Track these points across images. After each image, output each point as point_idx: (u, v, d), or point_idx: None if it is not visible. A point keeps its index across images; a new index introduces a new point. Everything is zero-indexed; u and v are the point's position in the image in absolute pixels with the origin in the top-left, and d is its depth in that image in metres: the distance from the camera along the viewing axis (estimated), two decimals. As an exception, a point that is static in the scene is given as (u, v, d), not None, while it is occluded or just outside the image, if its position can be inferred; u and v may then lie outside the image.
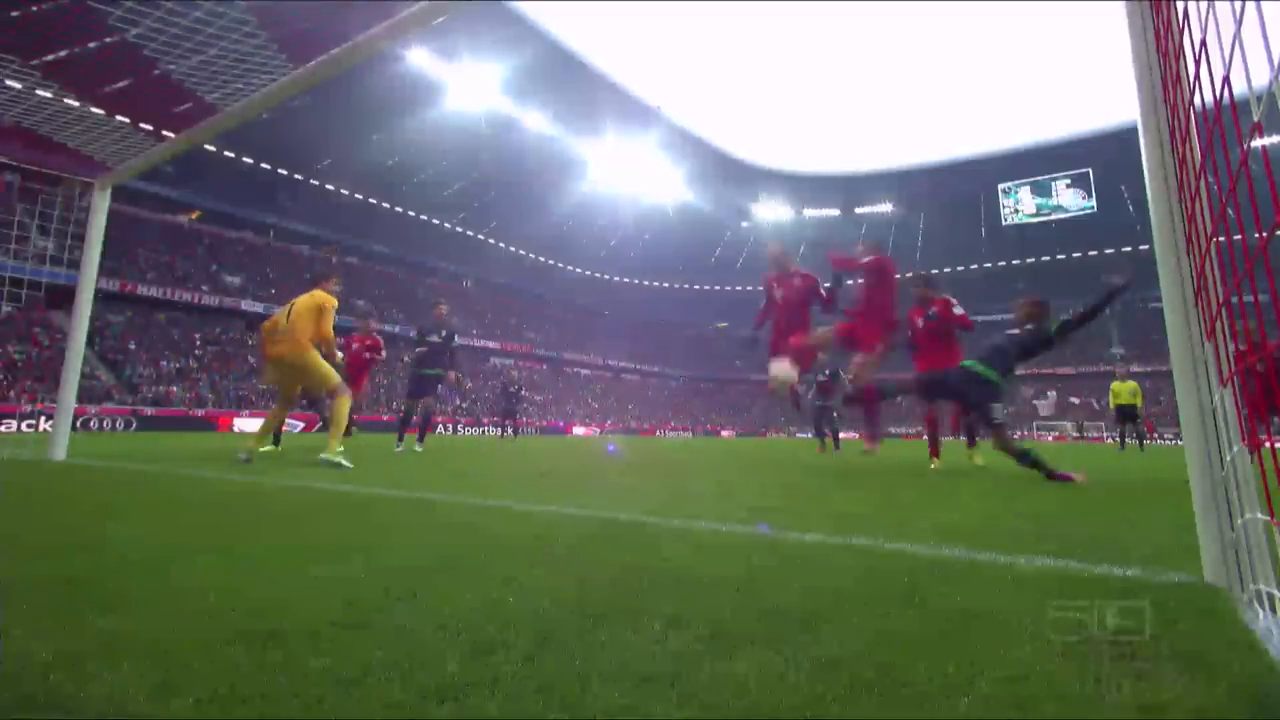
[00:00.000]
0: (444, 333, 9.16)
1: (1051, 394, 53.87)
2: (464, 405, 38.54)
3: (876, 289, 5.91)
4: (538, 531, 2.35)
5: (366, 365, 9.62)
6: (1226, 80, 1.20)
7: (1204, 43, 1.26)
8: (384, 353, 9.79)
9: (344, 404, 5.70)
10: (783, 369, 5.97)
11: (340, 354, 6.29)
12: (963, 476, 5.12)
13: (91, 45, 25.62)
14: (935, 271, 69.98)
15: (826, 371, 11.48)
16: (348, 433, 8.83)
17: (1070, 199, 64.55)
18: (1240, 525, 1.46)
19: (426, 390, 9.15)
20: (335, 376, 5.78)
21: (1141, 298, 58.42)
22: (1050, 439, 42.05)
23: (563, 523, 2.59)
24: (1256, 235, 1.07)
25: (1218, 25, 1.23)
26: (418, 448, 8.96)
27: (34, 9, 25.47)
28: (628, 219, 67.02)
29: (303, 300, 5.82)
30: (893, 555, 1.97)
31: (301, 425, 22.68)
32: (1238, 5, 1.13)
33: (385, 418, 31.68)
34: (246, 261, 42.38)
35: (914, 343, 6.68)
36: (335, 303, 5.83)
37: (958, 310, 6.49)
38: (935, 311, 6.47)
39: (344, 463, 5.24)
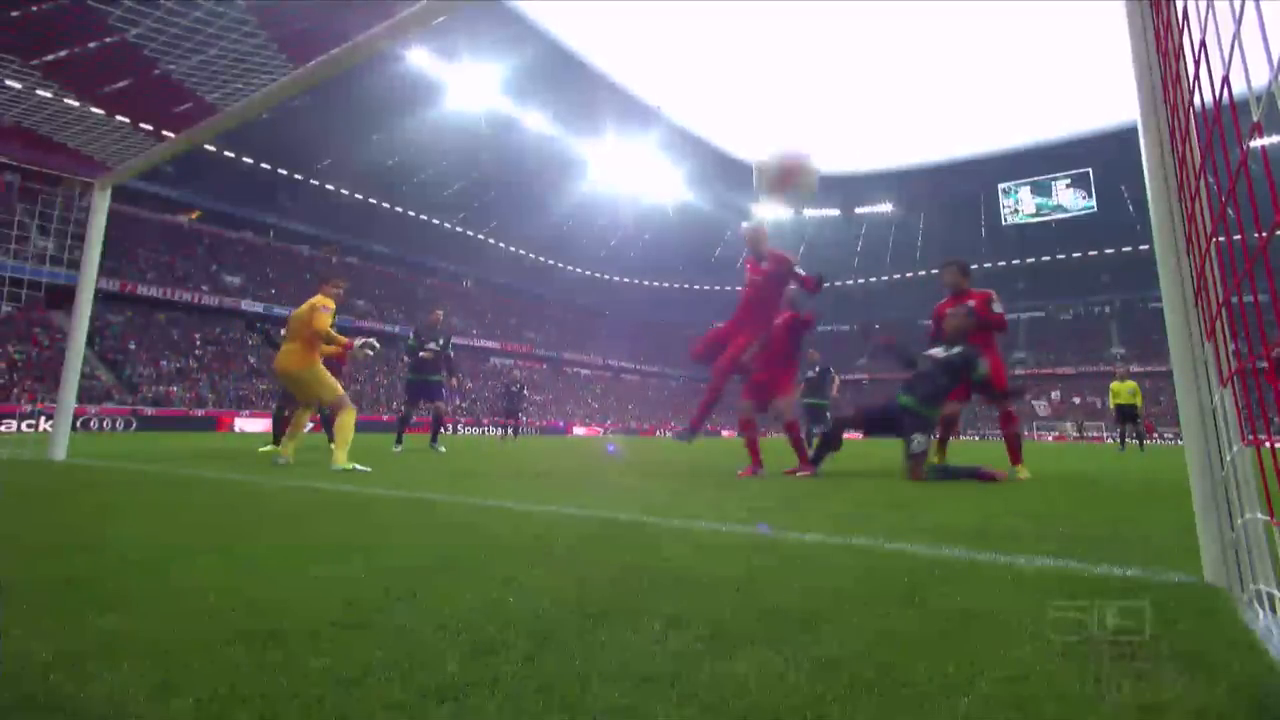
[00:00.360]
0: (442, 340, 9.07)
1: (1054, 394, 53.85)
2: (464, 405, 38.56)
3: (787, 341, 5.88)
4: (538, 531, 2.35)
5: (336, 370, 9.61)
6: (1226, 80, 1.20)
7: (1204, 43, 1.26)
8: (347, 364, 9.65)
9: (349, 417, 5.57)
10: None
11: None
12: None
13: (91, 45, 25.62)
14: (938, 272, 70.02)
15: (816, 369, 11.38)
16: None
17: (1070, 199, 64.58)
18: (1240, 525, 1.46)
19: (430, 396, 9.08)
20: (337, 389, 5.71)
21: (1141, 298, 58.49)
22: (1050, 439, 42.05)
23: (563, 523, 2.59)
24: (1256, 235, 1.07)
25: (1217, 25, 1.23)
26: (441, 449, 8.90)
27: (34, 9, 25.48)
28: (628, 219, 67.03)
29: (298, 312, 5.79)
30: (893, 555, 1.98)
31: (310, 425, 22.69)
32: (1237, 5, 1.13)
33: (385, 418, 31.72)
34: (246, 261, 42.41)
35: (942, 340, 6.09)
36: (332, 304, 5.75)
37: (996, 308, 5.77)
38: (972, 306, 5.81)
39: (359, 467, 5.14)
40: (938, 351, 5.24)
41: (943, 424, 5.97)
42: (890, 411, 5.19)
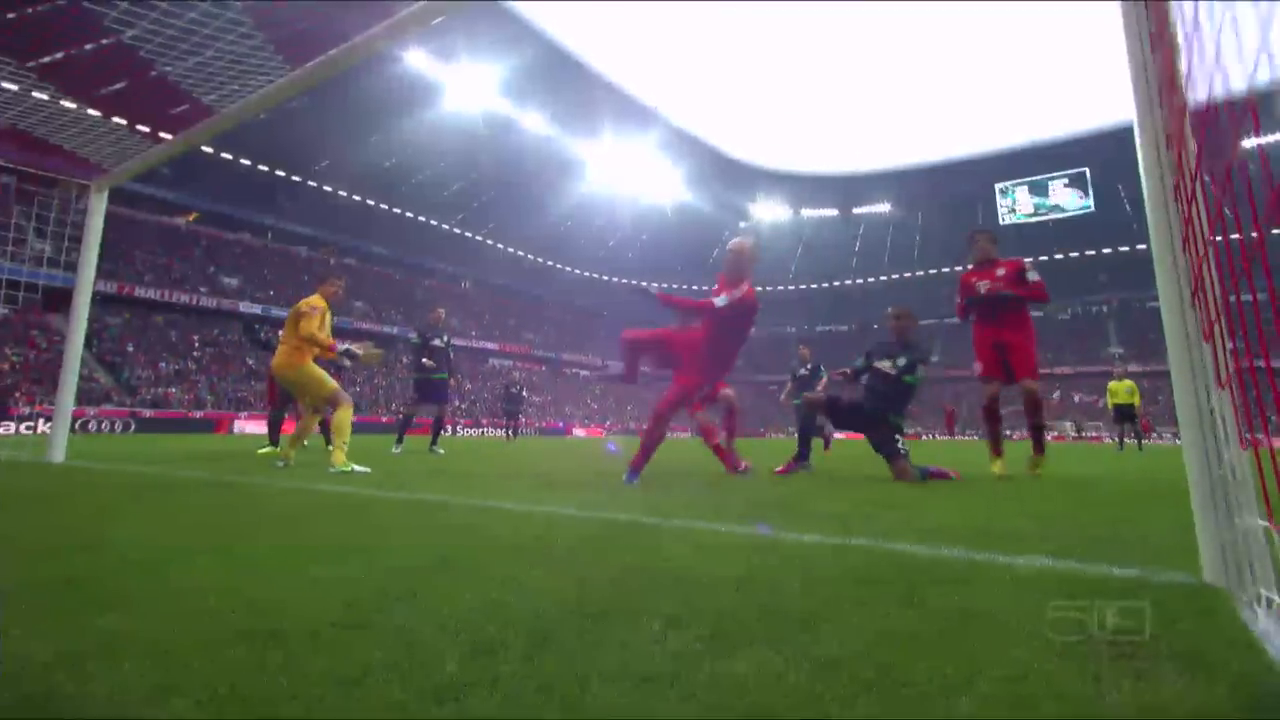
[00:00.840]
0: (445, 337, 9.13)
1: (1054, 394, 53.81)
2: (463, 406, 38.54)
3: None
4: (537, 532, 2.35)
5: (337, 375, 9.62)
6: (1225, 80, 1.21)
7: (1199, 43, 1.26)
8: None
9: (346, 412, 5.47)
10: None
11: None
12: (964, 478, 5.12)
13: (88, 47, 25.59)
14: (935, 272, 70.60)
15: (808, 366, 11.30)
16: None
17: (1068, 199, 64.66)
18: (1239, 525, 1.46)
19: (437, 396, 9.10)
20: (329, 385, 5.54)
21: (1139, 298, 58.57)
22: (1049, 439, 42.05)
23: (562, 523, 2.59)
24: (1254, 235, 1.07)
25: (1215, 26, 1.24)
26: (440, 451, 8.89)
27: (30, 10, 25.44)
28: (626, 219, 67.05)
29: (294, 307, 5.73)
30: (892, 555, 1.98)
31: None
32: (1237, 5, 1.13)
33: (384, 419, 31.68)
34: (244, 263, 42.36)
35: (971, 313, 5.54)
36: (322, 304, 5.67)
37: (1031, 276, 5.19)
38: (1003, 274, 5.28)
39: (357, 468, 5.07)
40: (885, 365, 5.27)
41: (987, 415, 5.46)
42: (865, 421, 5.24)
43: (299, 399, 5.85)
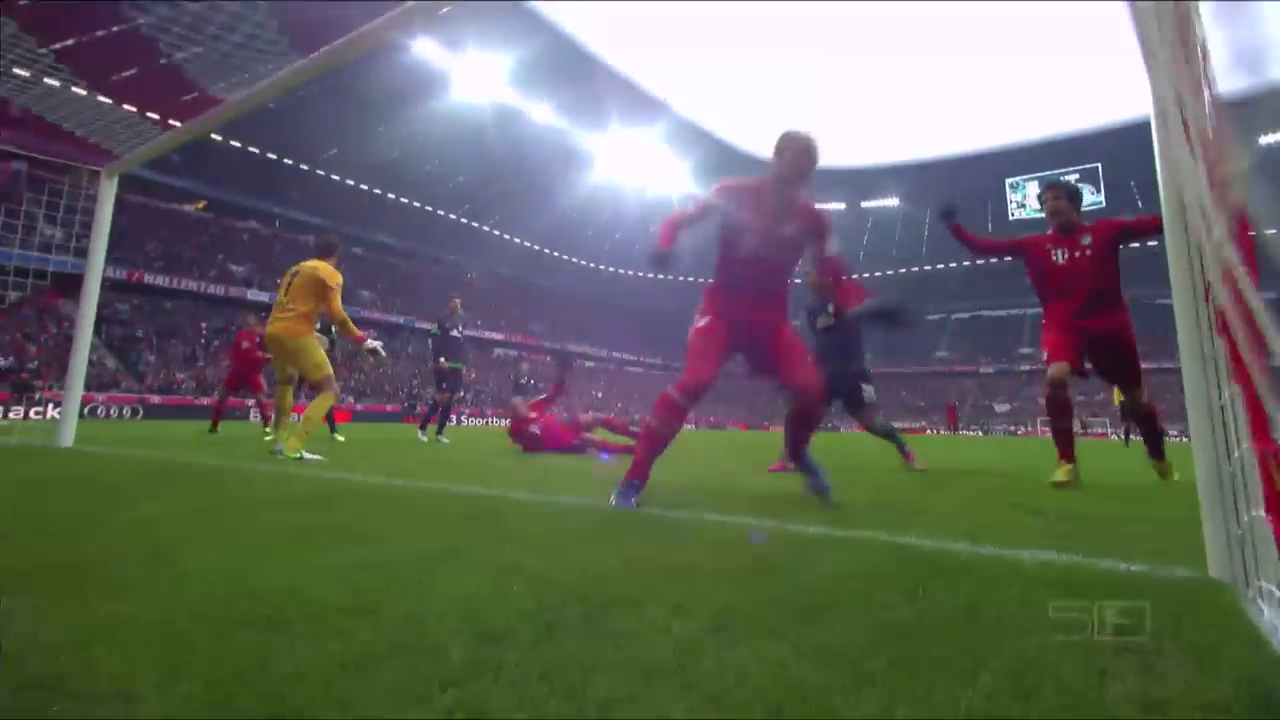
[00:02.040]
0: (461, 327, 9.33)
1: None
2: (468, 397, 38.65)
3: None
4: (543, 521, 2.36)
5: (258, 363, 9.80)
6: (1233, 75, 1.19)
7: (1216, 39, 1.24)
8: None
9: (325, 402, 5.17)
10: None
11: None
12: (963, 473, 5.11)
13: (100, 33, 25.60)
14: (943, 266, 70.29)
15: None
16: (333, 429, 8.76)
17: (1079, 194, 64.30)
18: (1246, 520, 1.45)
19: (453, 384, 9.28)
20: (326, 369, 5.22)
21: (1148, 294, 58.19)
22: (1055, 435, 41.86)
23: (568, 513, 2.59)
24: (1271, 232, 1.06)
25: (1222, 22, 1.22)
26: (445, 440, 8.96)
27: (42, -4, 25.42)
28: (633, 211, 66.97)
29: (305, 272, 5.29)
30: (896, 548, 1.97)
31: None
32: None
33: (389, 408, 31.82)
34: (253, 251, 42.52)
35: (1045, 286, 4.40)
36: (340, 279, 5.34)
37: (1129, 218, 4.27)
38: (1090, 243, 4.28)
39: (308, 456, 4.83)
40: (824, 321, 5.54)
41: (1054, 406, 4.09)
42: (835, 380, 5.26)
43: (289, 368, 5.62)
